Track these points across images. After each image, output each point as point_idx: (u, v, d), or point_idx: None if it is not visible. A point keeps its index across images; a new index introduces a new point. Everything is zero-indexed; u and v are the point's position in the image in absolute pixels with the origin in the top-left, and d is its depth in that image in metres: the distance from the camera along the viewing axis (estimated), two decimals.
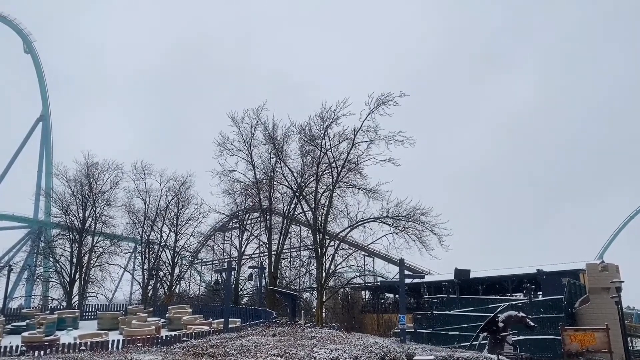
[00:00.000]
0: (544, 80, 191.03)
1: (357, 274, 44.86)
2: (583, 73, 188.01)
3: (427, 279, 42.95)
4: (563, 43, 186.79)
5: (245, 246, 47.67)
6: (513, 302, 34.56)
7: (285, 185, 42.79)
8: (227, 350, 10.72)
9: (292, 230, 47.73)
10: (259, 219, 46.97)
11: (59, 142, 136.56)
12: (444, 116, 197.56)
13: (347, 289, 48.13)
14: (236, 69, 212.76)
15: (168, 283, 49.31)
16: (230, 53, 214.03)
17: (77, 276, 45.20)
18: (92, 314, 36.18)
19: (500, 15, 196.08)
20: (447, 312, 37.92)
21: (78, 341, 19.26)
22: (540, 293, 39.58)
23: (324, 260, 38.21)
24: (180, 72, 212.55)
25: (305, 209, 41.45)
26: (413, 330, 36.58)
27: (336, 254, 38.48)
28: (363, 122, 36.63)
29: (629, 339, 30.95)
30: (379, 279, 50.70)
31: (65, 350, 17.09)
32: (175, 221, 49.03)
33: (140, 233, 49.09)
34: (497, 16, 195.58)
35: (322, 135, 38.69)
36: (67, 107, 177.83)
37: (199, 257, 53.48)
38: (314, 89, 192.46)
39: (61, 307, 39.41)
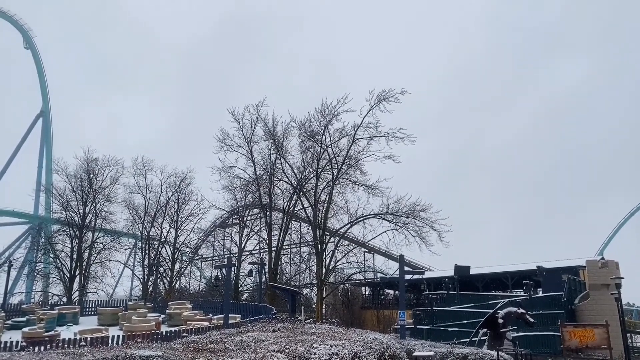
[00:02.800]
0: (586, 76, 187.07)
1: (357, 270, 44.92)
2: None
3: (427, 275, 43.05)
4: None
5: (246, 242, 47.77)
6: (513, 299, 34.57)
7: (286, 182, 42.86)
8: (227, 345, 10.72)
9: (292, 226, 47.82)
10: (259, 215, 47.01)
11: (71, 136, 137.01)
12: (477, 105, 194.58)
13: (347, 285, 48.20)
14: (278, 51, 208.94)
15: (168, 279, 49.38)
16: (274, 34, 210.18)
17: (77, 272, 45.22)
18: (93, 309, 36.19)
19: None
20: (447, 309, 37.96)
21: (78, 337, 19.29)
22: (540, 289, 39.62)
23: (324, 256, 38.25)
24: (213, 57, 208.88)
25: (305, 205, 41.50)
26: (413, 326, 36.64)
27: (336, 250, 38.54)
28: (363, 118, 36.75)
29: (628, 335, 31.00)
30: (379, 275, 50.82)
31: (66, 345, 17.10)
32: (175, 217, 49.03)
33: (141, 229, 49.12)
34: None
35: (322, 132, 38.71)
36: (80, 97, 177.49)
37: (199, 253, 53.53)
38: (358, 75, 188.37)
39: (61, 303, 39.41)
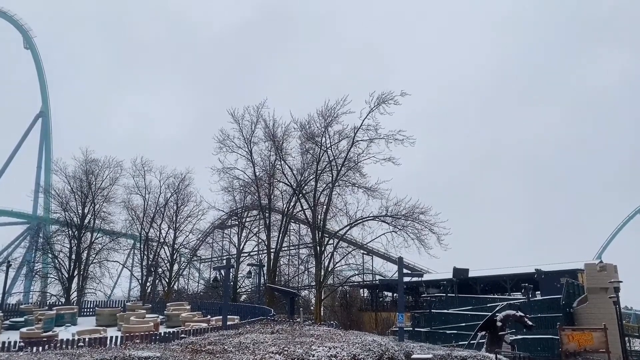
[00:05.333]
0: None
1: (356, 272, 44.88)
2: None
3: (426, 277, 43.00)
4: None
5: (244, 244, 47.65)
6: (511, 302, 34.59)
7: (285, 183, 42.77)
8: (226, 347, 10.72)
9: (291, 228, 47.68)
10: (258, 216, 46.93)
11: (74, 135, 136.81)
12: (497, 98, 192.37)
13: (345, 287, 48.14)
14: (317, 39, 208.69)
15: (167, 280, 49.28)
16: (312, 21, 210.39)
17: (75, 272, 45.11)
18: (91, 310, 36.16)
19: None
20: (446, 311, 37.97)
21: (76, 337, 19.27)
22: (539, 292, 39.64)
23: (322, 258, 38.21)
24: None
25: (304, 207, 41.41)
26: (411, 328, 36.63)
27: (335, 252, 38.48)
28: (363, 120, 36.66)
29: (626, 338, 31.03)
30: (378, 277, 50.69)
31: (64, 346, 17.09)
32: (174, 218, 48.93)
33: (139, 230, 49.02)
34: None
35: (322, 133, 38.69)
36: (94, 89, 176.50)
37: (198, 254, 53.44)
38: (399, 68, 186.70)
39: (60, 303, 39.37)
